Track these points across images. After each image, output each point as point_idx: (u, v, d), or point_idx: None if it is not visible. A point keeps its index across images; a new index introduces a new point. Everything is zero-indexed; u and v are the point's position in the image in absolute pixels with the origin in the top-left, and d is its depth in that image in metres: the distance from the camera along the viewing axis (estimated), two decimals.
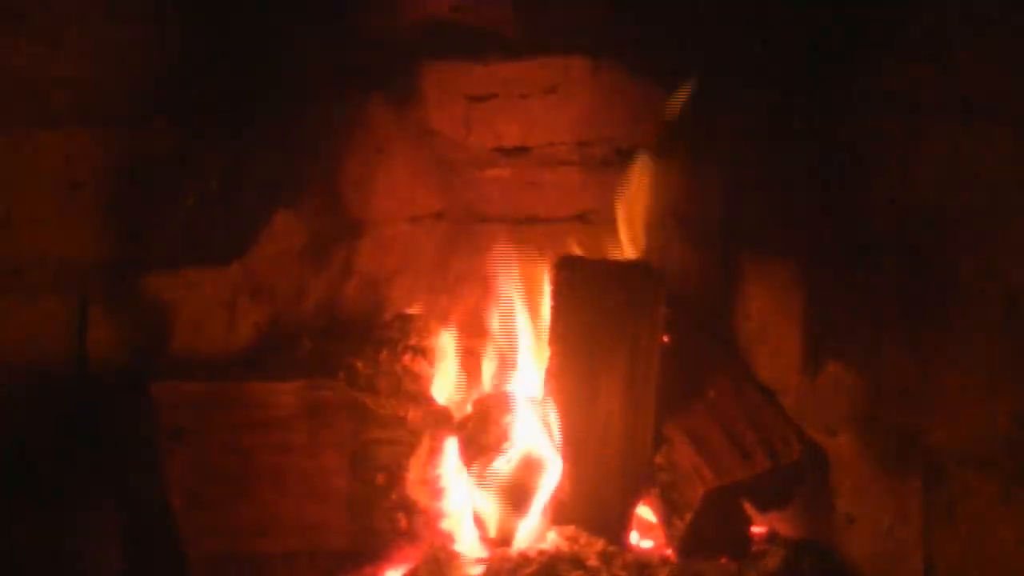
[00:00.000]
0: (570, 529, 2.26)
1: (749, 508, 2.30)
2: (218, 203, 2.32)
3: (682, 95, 2.47)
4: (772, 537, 2.33)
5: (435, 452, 2.39)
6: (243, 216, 2.39)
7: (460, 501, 2.37)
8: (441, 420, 2.42)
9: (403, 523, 2.32)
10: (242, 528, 2.22)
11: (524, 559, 2.17)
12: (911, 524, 2.00)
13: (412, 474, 2.36)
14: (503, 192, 2.77)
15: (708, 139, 2.56)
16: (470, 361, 2.65)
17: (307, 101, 2.46)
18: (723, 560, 2.22)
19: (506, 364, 2.58)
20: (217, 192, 2.32)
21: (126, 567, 2.14)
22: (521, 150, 2.71)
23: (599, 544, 2.22)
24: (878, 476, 2.08)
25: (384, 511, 2.31)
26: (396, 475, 2.34)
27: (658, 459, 2.34)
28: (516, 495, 2.33)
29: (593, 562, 2.17)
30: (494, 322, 2.61)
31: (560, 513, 2.30)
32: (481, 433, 2.37)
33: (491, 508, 2.32)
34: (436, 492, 2.37)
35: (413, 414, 2.39)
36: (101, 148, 2.17)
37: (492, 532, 2.31)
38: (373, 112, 2.62)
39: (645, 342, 2.32)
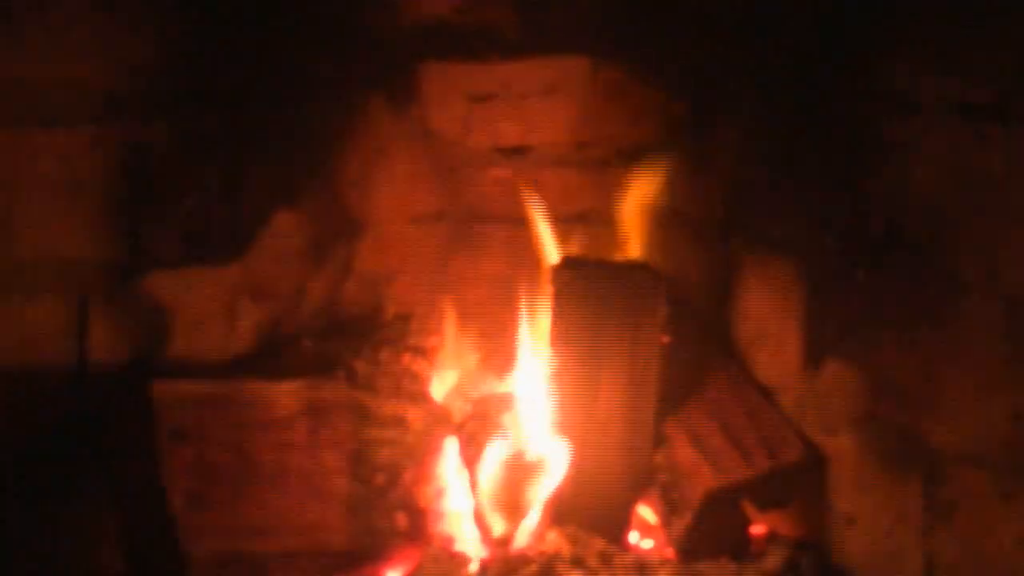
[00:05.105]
0: (570, 529, 2.25)
1: (749, 508, 2.30)
2: (218, 203, 2.32)
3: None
4: (772, 537, 2.33)
5: (435, 452, 2.39)
6: (243, 216, 2.39)
7: (460, 501, 2.37)
8: (441, 420, 2.42)
9: (403, 523, 2.32)
10: (242, 528, 2.22)
11: (524, 559, 2.17)
12: (911, 524, 2.00)
13: (412, 474, 2.36)
14: (503, 192, 2.77)
15: (709, 139, 2.56)
16: (470, 361, 2.65)
17: (307, 101, 2.46)
18: (723, 560, 2.22)
19: (506, 364, 2.58)
20: (217, 192, 2.32)
21: (125, 567, 2.14)
22: (521, 150, 2.71)
23: (599, 544, 2.22)
24: (878, 476, 2.08)
25: (384, 511, 2.31)
26: (396, 475, 2.34)
27: (658, 459, 2.34)
28: (516, 495, 2.33)
29: (593, 562, 2.17)
30: (494, 322, 2.61)
31: (560, 513, 2.30)
32: (481, 433, 2.37)
33: (491, 508, 2.32)
34: (436, 492, 2.37)
35: (413, 414, 2.39)
36: (101, 148, 2.17)
37: (492, 532, 2.31)
38: (373, 112, 2.62)
39: (645, 342, 2.32)
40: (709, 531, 2.24)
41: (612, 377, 2.30)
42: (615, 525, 2.31)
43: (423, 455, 2.37)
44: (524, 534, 2.29)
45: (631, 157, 2.65)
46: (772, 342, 2.37)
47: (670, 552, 2.28)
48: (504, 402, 2.43)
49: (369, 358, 2.49)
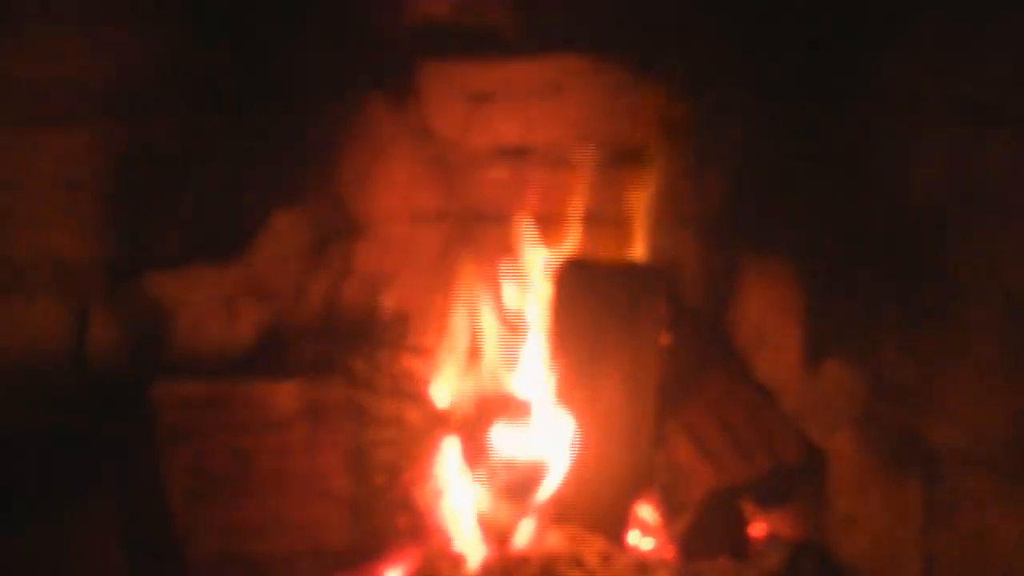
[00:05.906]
0: (570, 529, 2.26)
1: (749, 508, 2.30)
2: (218, 203, 2.32)
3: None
4: (772, 537, 2.33)
5: (435, 452, 2.39)
6: (243, 216, 2.39)
7: (460, 501, 2.37)
8: (441, 420, 2.42)
9: (403, 523, 2.32)
10: (242, 528, 2.22)
11: (524, 559, 2.18)
12: (911, 524, 2.00)
13: (412, 474, 2.36)
14: (503, 192, 2.77)
15: (710, 139, 2.56)
16: (470, 361, 2.65)
17: (307, 101, 2.46)
18: (723, 560, 2.23)
19: (506, 364, 2.58)
20: (217, 192, 2.33)
21: (126, 567, 2.14)
22: (521, 150, 2.71)
23: (599, 544, 2.22)
24: (878, 476, 2.08)
25: (384, 511, 2.32)
26: (396, 475, 2.34)
27: (658, 459, 2.34)
28: (516, 495, 2.33)
29: (593, 562, 2.17)
30: (495, 321, 2.61)
31: (560, 513, 2.30)
32: (481, 433, 2.37)
33: (491, 508, 2.32)
34: (436, 492, 2.37)
35: (413, 414, 2.39)
36: (101, 148, 2.17)
37: (492, 532, 2.31)
38: (373, 112, 2.62)
39: (645, 342, 2.32)
40: (709, 531, 2.24)
41: (612, 377, 2.30)
42: (615, 525, 2.31)
43: (423, 455, 2.37)
44: (524, 534, 2.30)
45: (631, 157, 2.65)
46: (772, 342, 2.37)
47: (670, 552, 2.29)
48: (504, 402, 2.43)
49: (368, 358, 2.49)
